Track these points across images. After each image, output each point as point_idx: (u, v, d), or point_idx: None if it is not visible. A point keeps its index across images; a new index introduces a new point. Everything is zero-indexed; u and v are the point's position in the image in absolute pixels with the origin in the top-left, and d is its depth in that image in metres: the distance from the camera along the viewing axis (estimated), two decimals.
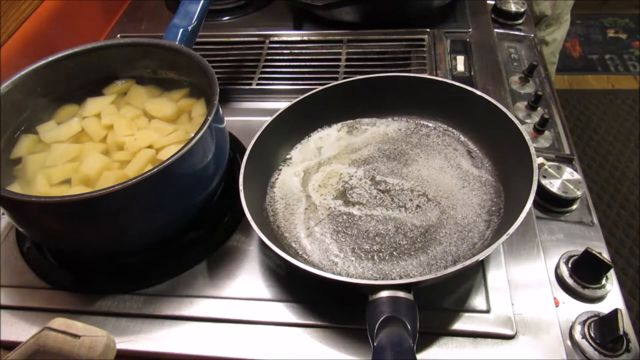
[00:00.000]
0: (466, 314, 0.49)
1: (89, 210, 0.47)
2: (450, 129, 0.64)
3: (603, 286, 0.51)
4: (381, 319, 0.40)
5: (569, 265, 0.53)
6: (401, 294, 0.42)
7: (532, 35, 0.88)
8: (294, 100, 0.62)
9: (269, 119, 0.60)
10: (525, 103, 0.73)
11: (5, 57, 0.74)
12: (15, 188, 0.53)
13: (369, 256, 0.52)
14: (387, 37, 0.84)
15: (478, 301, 0.50)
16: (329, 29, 0.87)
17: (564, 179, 0.60)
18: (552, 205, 0.59)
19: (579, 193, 0.59)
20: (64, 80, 0.62)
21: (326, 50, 0.84)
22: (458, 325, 0.49)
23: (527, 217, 0.47)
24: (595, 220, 0.59)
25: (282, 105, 0.62)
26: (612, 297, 0.51)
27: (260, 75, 0.80)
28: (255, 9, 0.96)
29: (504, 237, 0.44)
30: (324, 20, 0.88)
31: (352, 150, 0.64)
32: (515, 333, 0.48)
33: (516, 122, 0.54)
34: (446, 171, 0.59)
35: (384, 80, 0.64)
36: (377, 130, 0.66)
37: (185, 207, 0.54)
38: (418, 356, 0.43)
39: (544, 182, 0.60)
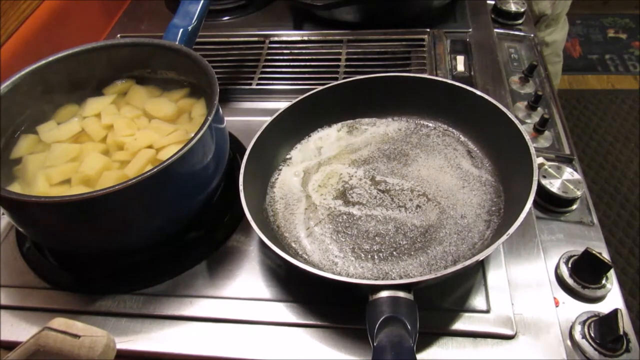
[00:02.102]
0: (466, 314, 0.49)
1: (89, 210, 0.47)
2: (450, 129, 0.64)
3: (603, 286, 0.51)
4: (381, 319, 0.40)
5: (569, 265, 0.53)
6: (401, 294, 0.42)
7: (532, 35, 0.88)
8: (294, 100, 0.62)
9: (269, 119, 0.60)
10: (525, 103, 0.73)
11: (5, 57, 0.74)
12: (15, 188, 0.53)
13: (369, 256, 0.52)
14: (387, 37, 0.84)
15: (478, 301, 0.50)
16: (329, 29, 0.87)
17: (564, 179, 0.60)
18: (552, 205, 0.59)
19: (579, 193, 0.59)
20: (64, 80, 0.62)
21: (326, 50, 0.84)
22: (458, 325, 0.49)
23: (527, 217, 0.46)
24: (595, 220, 0.59)
25: (282, 105, 0.62)
26: (612, 297, 0.51)
27: (260, 75, 0.80)
28: (255, 9, 0.96)
29: (504, 237, 0.44)
30: (324, 20, 0.88)
31: (352, 150, 0.64)
32: (515, 333, 0.48)
33: (516, 122, 0.54)
34: (446, 171, 0.59)
35: (384, 80, 0.64)
36: (377, 130, 0.66)
37: (185, 207, 0.54)
38: (418, 356, 0.43)
39: (544, 182, 0.60)
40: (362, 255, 0.52)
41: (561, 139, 0.68)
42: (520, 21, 0.90)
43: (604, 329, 0.47)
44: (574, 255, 0.53)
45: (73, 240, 0.52)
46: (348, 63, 0.80)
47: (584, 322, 0.49)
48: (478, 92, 0.59)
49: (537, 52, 0.85)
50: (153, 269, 0.56)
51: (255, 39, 0.87)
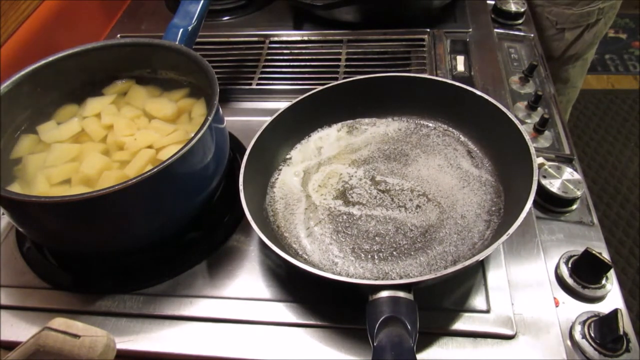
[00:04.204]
0: (466, 314, 0.49)
1: (89, 210, 0.47)
2: (450, 129, 0.64)
3: (603, 286, 0.51)
4: (381, 319, 0.40)
5: (569, 265, 0.53)
6: (401, 294, 0.42)
7: (532, 35, 0.88)
8: (294, 100, 0.62)
9: (269, 119, 0.60)
10: (525, 103, 0.73)
11: (5, 57, 0.74)
12: (15, 188, 0.53)
13: (369, 256, 0.52)
14: (387, 37, 0.84)
15: (478, 301, 0.50)
16: (329, 29, 0.87)
17: (564, 179, 0.60)
18: (552, 205, 0.59)
19: (579, 193, 0.59)
20: (64, 80, 0.62)
21: (326, 50, 0.84)
22: (458, 325, 0.49)
23: (527, 217, 0.46)
24: (595, 220, 0.59)
25: (282, 105, 0.62)
26: (612, 297, 0.51)
27: (260, 75, 0.80)
28: (255, 9, 0.96)
29: (504, 237, 0.44)
30: (324, 20, 0.88)
31: (352, 150, 0.64)
32: (515, 333, 0.48)
33: (516, 122, 0.54)
34: (446, 171, 0.59)
35: (384, 80, 0.64)
36: (377, 130, 0.66)
37: (185, 207, 0.54)
38: (418, 356, 0.43)
39: (544, 182, 0.60)
40: (362, 255, 0.52)
41: (561, 139, 0.68)
42: (520, 21, 0.90)
43: (604, 329, 0.47)
44: (574, 255, 0.53)
45: (73, 240, 0.52)
46: (348, 63, 0.80)
47: (584, 322, 0.49)
48: (478, 92, 0.59)
49: (537, 52, 0.85)
50: (153, 269, 0.56)
51: (255, 39, 0.87)
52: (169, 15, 0.94)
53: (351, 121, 0.67)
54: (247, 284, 0.54)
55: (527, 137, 0.52)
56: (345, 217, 0.56)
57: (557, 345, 0.47)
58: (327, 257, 0.53)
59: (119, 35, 0.91)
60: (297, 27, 0.90)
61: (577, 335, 0.48)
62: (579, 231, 0.57)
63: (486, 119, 0.59)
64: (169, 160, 0.47)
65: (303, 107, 0.63)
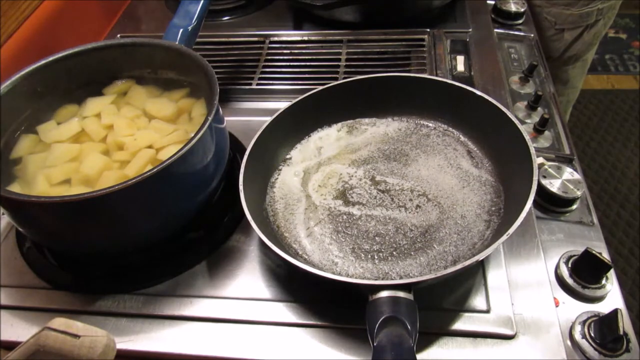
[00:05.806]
0: (466, 314, 0.49)
1: (89, 210, 0.47)
2: (450, 129, 0.64)
3: (603, 286, 0.51)
4: (381, 319, 0.40)
5: (569, 265, 0.53)
6: (401, 294, 0.42)
7: (532, 35, 0.88)
8: (294, 100, 0.62)
9: (269, 119, 0.60)
10: (525, 103, 0.73)
11: (5, 57, 0.74)
12: (15, 188, 0.53)
13: (369, 256, 0.52)
14: (387, 37, 0.84)
15: (478, 301, 0.50)
16: (329, 29, 0.87)
17: (564, 179, 0.60)
18: (552, 205, 0.59)
19: (579, 193, 0.59)
20: (64, 81, 0.62)
21: (326, 50, 0.84)
22: (458, 325, 0.49)
23: (527, 217, 0.46)
24: (595, 220, 0.59)
25: (282, 105, 0.62)
26: (612, 297, 0.51)
27: (260, 75, 0.80)
28: (255, 9, 0.96)
29: (504, 237, 0.44)
30: (324, 20, 0.88)
31: (352, 150, 0.64)
32: (515, 333, 0.48)
33: (516, 122, 0.54)
34: (446, 171, 0.59)
35: (384, 80, 0.64)
36: (377, 130, 0.66)
37: (185, 207, 0.54)
38: (418, 356, 0.43)
39: (544, 182, 0.60)
40: (362, 255, 0.52)
41: (561, 139, 0.68)
42: (520, 21, 0.90)
43: (604, 329, 0.47)
44: (574, 255, 0.53)
45: (73, 240, 0.52)
46: (348, 63, 0.80)
47: (584, 322, 0.49)
48: (478, 92, 0.59)
49: (537, 52, 0.85)
50: (153, 269, 0.56)
51: (255, 39, 0.87)
52: (169, 15, 0.94)
53: (351, 121, 0.67)
54: (247, 284, 0.54)
55: (527, 137, 0.52)
56: (345, 217, 0.56)
57: (557, 345, 0.47)
58: (327, 257, 0.53)
59: (119, 35, 0.91)
60: (297, 27, 0.91)
61: (577, 335, 0.48)
62: (579, 231, 0.57)
63: (486, 119, 0.59)
64: (169, 160, 0.47)
65: (303, 107, 0.63)
